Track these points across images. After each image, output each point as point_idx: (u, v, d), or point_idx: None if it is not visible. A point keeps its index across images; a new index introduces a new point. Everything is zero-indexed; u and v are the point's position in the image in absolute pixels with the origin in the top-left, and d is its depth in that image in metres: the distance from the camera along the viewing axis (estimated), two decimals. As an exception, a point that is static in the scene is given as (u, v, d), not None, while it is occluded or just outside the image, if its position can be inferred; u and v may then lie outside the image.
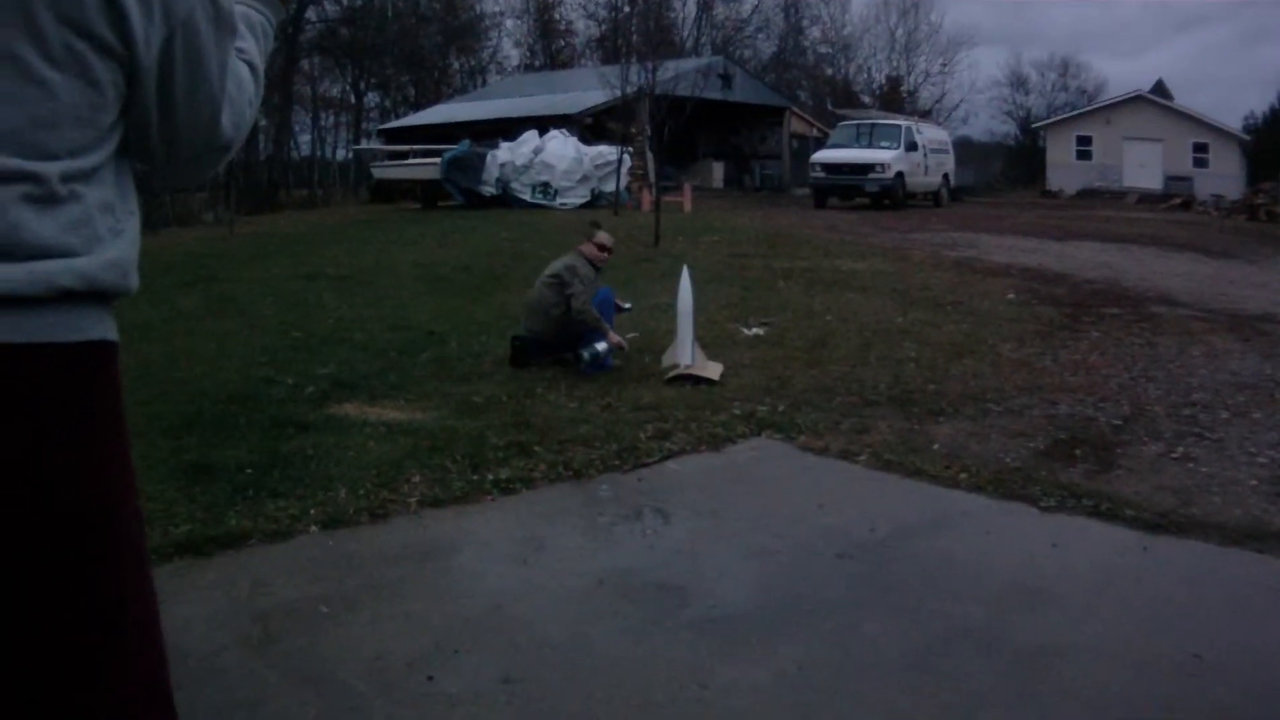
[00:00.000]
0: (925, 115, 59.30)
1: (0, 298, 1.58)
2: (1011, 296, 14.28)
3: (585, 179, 32.61)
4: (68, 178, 1.65)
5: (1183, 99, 58.88)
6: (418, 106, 62.95)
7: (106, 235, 1.73)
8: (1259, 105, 74.10)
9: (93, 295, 1.71)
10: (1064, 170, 56.33)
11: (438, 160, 33.25)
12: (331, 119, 73.87)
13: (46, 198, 1.62)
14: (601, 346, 9.15)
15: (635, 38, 44.83)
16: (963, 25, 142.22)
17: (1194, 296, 14.88)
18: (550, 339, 9.38)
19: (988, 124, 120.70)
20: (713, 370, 9.07)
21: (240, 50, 1.90)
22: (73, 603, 1.72)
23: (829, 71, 78.18)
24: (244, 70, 1.91)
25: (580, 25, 74.53)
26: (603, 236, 9.97)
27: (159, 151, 1.83)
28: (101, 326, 1.75)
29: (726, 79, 49.09)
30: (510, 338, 9.75)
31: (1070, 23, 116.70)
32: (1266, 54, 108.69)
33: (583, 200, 32.09)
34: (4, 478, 1.61)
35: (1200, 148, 54.35)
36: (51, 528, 1.67)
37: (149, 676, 1.85)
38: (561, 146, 33.13)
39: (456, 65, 74.47)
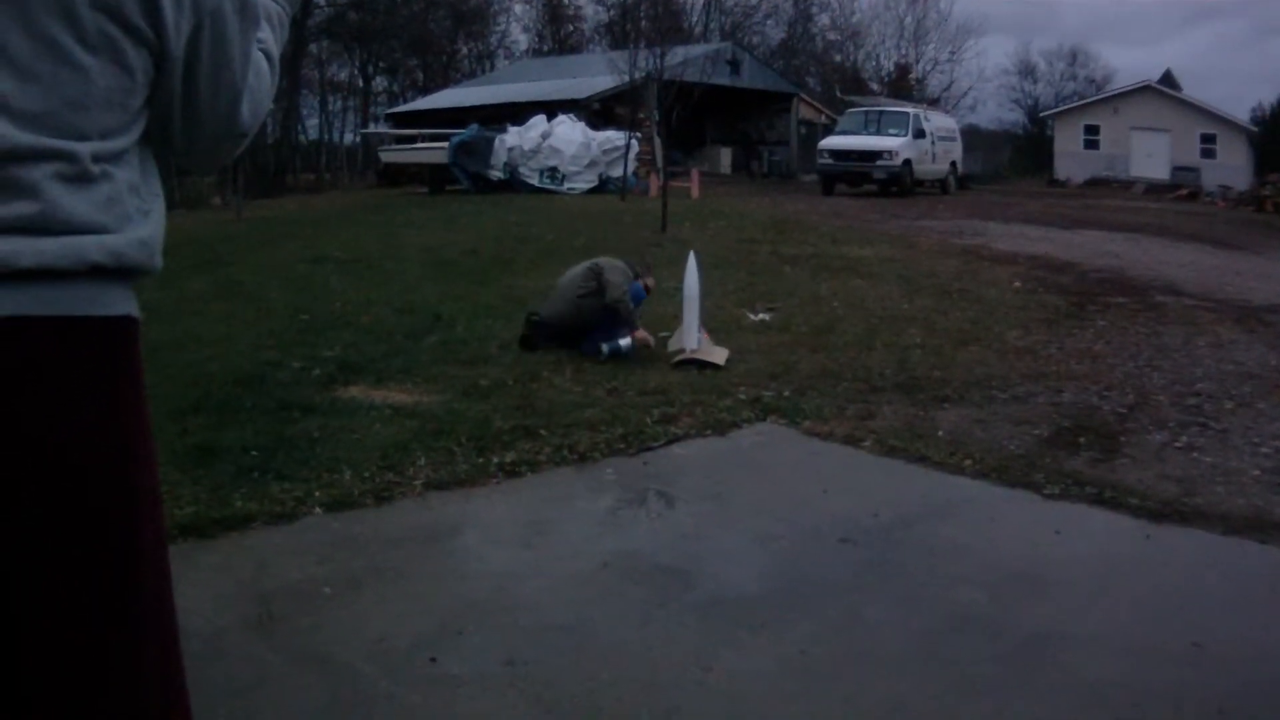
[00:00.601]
0: (933, 103, 59.14)
1: (32, 270, 1.61)
2: (1018, 284, 14.26)
3: (593, 164, 32.61)
4: (99, 158, 1.68)
5: (1195, 90, 58.62)
6: (426, 91, 63.02)
7: (136, 215, 1.77)
8: (1270, 98, 73.61)
9: (119, 272, 1.74)
10: (1071, 159, 56.16)
11: (445, 144, 33.28)
12: (339, 103, 74.11)
13: (79, 176, 1.66)
14: (625, 342, 9.07)
15: (644, 23, 44.71)
16: (972, 13, 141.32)
17: (1200, 287, 14.85)
18: (566, 325, 9.32)
19: (995, 112, 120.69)
20: (718, 355, 9.06)
21: (259, 40, 1.93)
22: (94, 571, 1.75)
23: (837, 58, 78.08)
24: (263, 61, 1.95)
25: (589, 10, 74.55)
26: (650, 280, 10.05)
27: (179, 137, 1.86)
28: (127, 303, 1.79)
29: (735, 65, 49.09)
30: (526, 313, 9.73)
31: (1082, 12, 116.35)
32: (1278, 44, 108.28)
33: (590, 185, 32.09)
34: (31, 449, 1.64)
35: (1208, 139, 54.11)
36: (75, 501, 1.70)
37: (164, 653, 1.89)
38: (569, 131, 33.15)
39: (465, 50, 74.55)
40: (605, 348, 9.00)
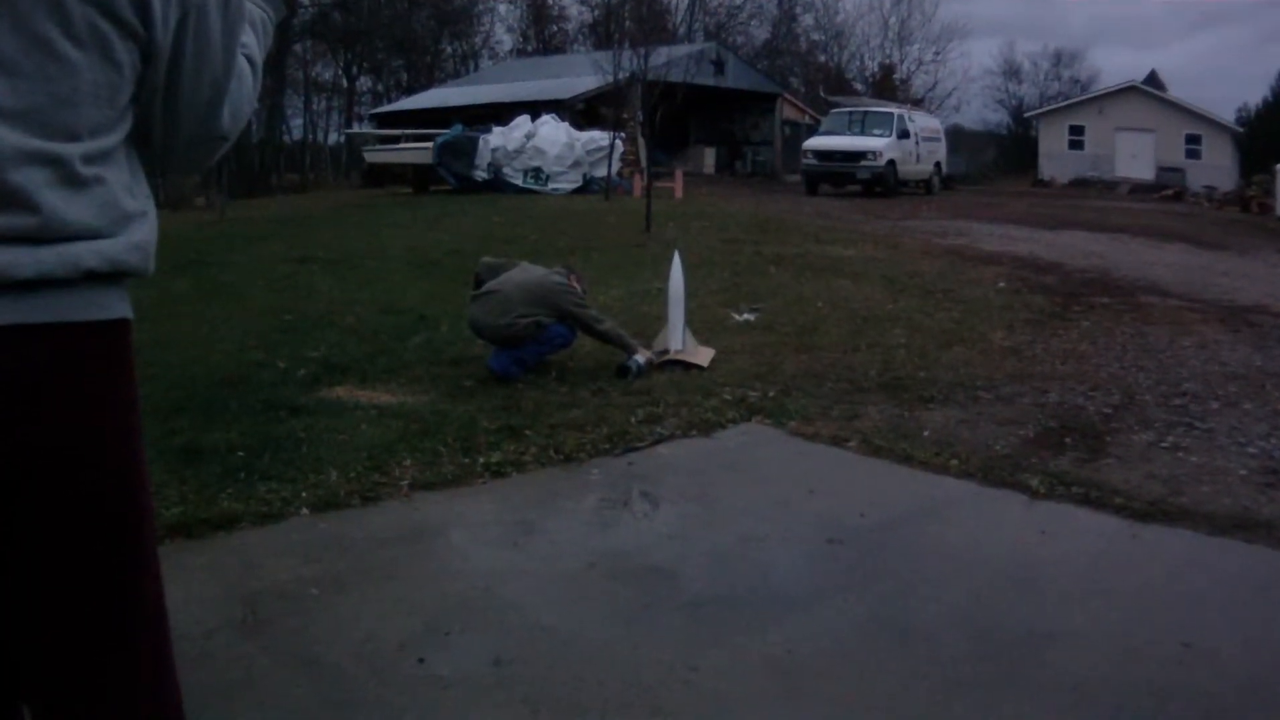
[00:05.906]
0: (918, 103, 59.19)
1: (30, 280, 1.62)
2: (1002, 284, 14.27)
3: (577, 164, 32.54)
4: (89, 159, 1.68)
5: (1188, 92, 58.90)
6: (410, 91, 62.98)
7: (132, 218, 1.77)
8: (1258, 99, 73.46)
9: (114, 275, 1.73)
10: (1056, 160, 56.30)
11: (430, 144, 33.19)
12: (324, 103, 74.12)
13: (72, 180, 1.65)
14: (642, 359, 8.64)
15: (628, 23, 44.72)
16: (958, 13, 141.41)
17: (1185, 287, 14.88)
18: (499, 338, 8.66)
19: (980, 113, 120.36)
20: (703, 356, 9.05)
21: (242, 45, 1.92)
22: (98, 574, 1.78)
23: (822, 59, 78.16)
24: (245, 64, 1.94)
25: (573, 10, 74.53)
26: (584, 284, 9.27)
27: (159, 136, 1.86)
28: (122, 305, 1.80)
29: (719, 65, 49.10)
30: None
31: (1070, 16, 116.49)
32: (1277, 51, 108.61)
33: (574, 186, 32.02)
34: (37, 453, 1.65)
35: (1193, 139, 54.28)
36: (81, 502, 1.72)
37: (158, 653, 1.90)
38: (553, 132, 33.08)
39: (449, 50, 74.52)
40: (633, 367, 8.55)
